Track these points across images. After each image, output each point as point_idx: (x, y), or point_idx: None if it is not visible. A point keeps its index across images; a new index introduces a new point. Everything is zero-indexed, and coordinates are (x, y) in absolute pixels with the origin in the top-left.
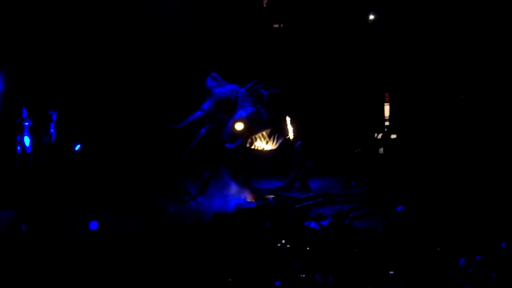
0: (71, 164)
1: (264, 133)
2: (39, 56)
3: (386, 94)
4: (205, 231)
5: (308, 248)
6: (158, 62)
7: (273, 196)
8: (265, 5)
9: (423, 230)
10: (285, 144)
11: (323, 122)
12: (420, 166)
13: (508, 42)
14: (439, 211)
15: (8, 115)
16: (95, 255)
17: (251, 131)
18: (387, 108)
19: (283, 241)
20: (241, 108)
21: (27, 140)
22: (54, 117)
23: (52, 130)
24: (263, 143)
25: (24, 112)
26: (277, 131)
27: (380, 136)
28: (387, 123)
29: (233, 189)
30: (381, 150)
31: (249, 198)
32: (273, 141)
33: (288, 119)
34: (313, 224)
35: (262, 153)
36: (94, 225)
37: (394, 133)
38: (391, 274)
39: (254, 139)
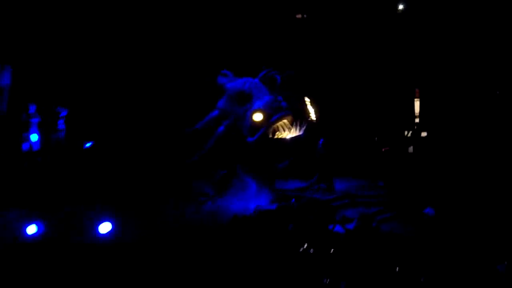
0: (80, 162)
1: (285, 121)
2: (50, 53)
3: (417, 90)
4: (223, 235)
5: (332, 253)
6: (171, 62)
7: (295, 197)
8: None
9: (455, 234)
10: (309, 128)
11: (350, 119)
12: (452, 166)
13: None
14: (471, 215)
15: (15, 111)
16: (110, 259)
17: (271, 120)
18: (417, 104)
19: (306, 245)
20: (258, 99)
21: (34, 137)
22: (63, 114)
23: (61, 127)
24: (286, 133)
25: (32, 109)
26: (299, 117)
27: (409, 134)
28: (417, 120)
29: (253, 189)
30: (411, 148)
31: (269, 199)
32: (296, 128)
33: (307, 100)
34: (338, 228)
35: (286, 141)
36: (105, 227)
37: (424, 131)
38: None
39: (276, 128)
